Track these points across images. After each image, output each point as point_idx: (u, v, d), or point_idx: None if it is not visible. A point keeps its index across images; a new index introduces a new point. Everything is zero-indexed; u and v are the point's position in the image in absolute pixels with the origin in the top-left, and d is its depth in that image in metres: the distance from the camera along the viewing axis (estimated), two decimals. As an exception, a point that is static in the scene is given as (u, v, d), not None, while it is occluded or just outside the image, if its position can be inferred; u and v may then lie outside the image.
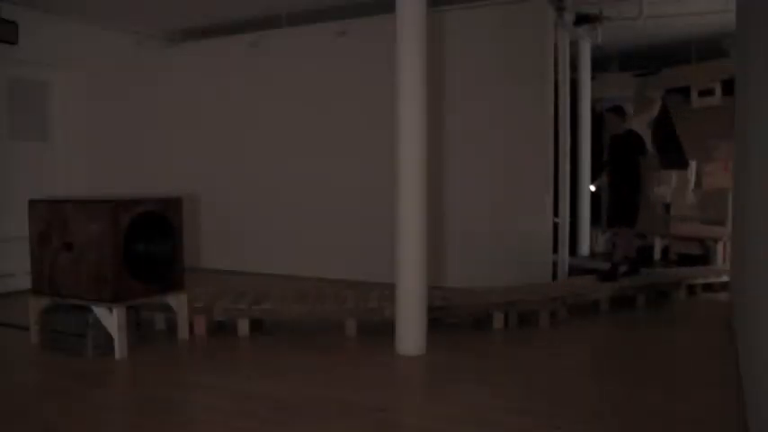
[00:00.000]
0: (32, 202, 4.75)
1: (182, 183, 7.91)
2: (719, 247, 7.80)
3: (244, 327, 5.06)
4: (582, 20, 7.04)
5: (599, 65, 9.12)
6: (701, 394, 3.81)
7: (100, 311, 4.45)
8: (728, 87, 7.51)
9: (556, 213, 6.89)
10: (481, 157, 6.68)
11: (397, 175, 4.52)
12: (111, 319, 4.42)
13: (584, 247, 8.69)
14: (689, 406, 3.58)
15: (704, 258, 8.10)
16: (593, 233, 9.06)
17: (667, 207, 8.86)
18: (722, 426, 3.30)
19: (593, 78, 8.79)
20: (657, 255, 8.53)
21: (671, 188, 8.83)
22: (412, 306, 4.51)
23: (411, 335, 4.53)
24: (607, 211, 6.85)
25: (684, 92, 8.78)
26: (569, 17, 6.83)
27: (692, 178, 8.74)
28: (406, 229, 4.50)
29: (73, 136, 8.07)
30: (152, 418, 3.43)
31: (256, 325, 5.16)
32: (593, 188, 6.53)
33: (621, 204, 6.34)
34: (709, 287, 6.81)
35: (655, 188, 8.94)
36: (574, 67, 7.94)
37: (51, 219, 4.59)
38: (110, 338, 4.46)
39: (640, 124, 9.27)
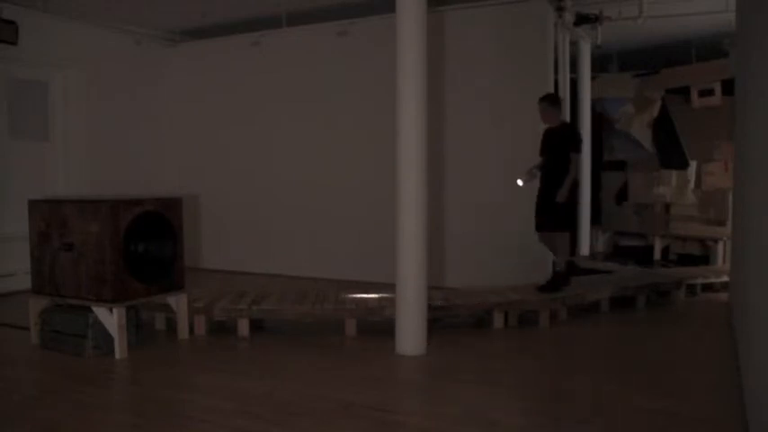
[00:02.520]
0: (32, 202, 4.75)
1: (182, 183, 7.92)
2: (719, 247, 7.79)
3: (244, 327, 5.06)
4: (582, 20, 7.03)
5: (599, 65, 9.12)
6: (702, 394, 3.82)
7: (100, 311, 4.45)
8: (728, 87, 7.51)
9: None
10: (481, 156, 6.68)
11: (397, 175, 4.52)
12: (111, 319, 4.42)
13: (584, 247, 8.69)
14: (689, 406, 3.58)
15: (704, 258, 8.10)
16: (593, 233, 9.06)
17: (667, 207, 8.86)
18: (722, 426, 3.30)
19: (593, 78, 8.79)
20: (657, 255, 8.53)
21: (671, 188, 8.83)
22: (412, 306, 4.51)
23: (411, 335, 4.53)
24: (536, 212, 5.79)
25: (684, 92, 8.77)
26: (569, 17, 6.83)
27: (692, 178, 8.74)
28: (406, 229, 4.50)
29: (73, 136, 8.06)
30: (152, 418, 3.43)
31: (256, 325, 5.16)
32: (520, 182, 5.75)
33: (552, 205, 5.55)
34: (709, 287, 6.81)
35: (654, 188, 8.95)
36: (574, 67, 7.94)
37: (51, 219, 4.59)
38: (110, 338, 4.46)
39: (640, 124, 9.29)
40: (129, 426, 3.39)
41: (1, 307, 6.26)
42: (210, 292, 5.58)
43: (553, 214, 5.56)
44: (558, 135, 5.64)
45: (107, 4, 7.34)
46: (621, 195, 9.66)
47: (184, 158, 8.32)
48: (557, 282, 5.64)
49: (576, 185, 5.68)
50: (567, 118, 7.20)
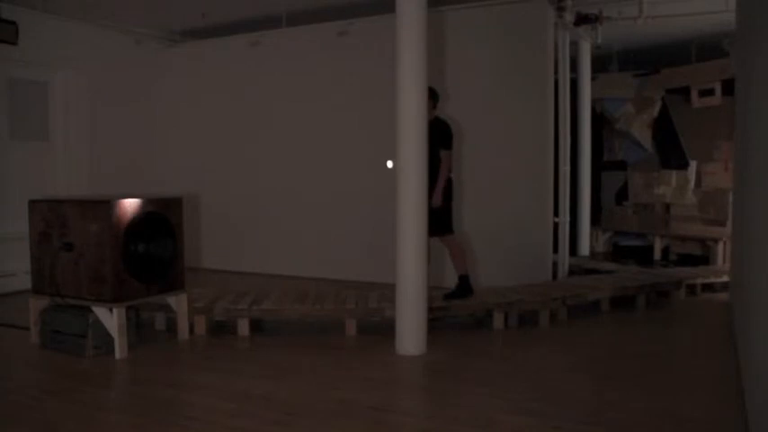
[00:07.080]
0: (32, 202, 4.75)
1: (182, 183, 7.91)
2: (719, 247, 7.79)
3: (244, 327, 5.06)
4: (582, 20, 7.03)
5: (599, 65, 9.12)
6: (701, 394, 3.81)
7: (100, 311, 4.45)
8: (728, 87, 7.51)
9: (556, 213, 6.88)
10: (481, 156, 6.68)
11: (397, 175, 4.52)
12: (111, 319, 4.42)
13: (584, 247, 8.70)
14: (689, 406, 3.58)
15: (704, 258, 8.10)
16: (593, 233, 9.07)
17: (667, 207, 8.86)
18: (722, 426, 3.30)
19: (593, 78, 8.79)
20: (657, 255, 8.54)
21: (671, 188, 8.83)
22: (412, 306, 4.51)
23: (411, 335, 4.53)
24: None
25: (684, 92, 8.78)
26: (569, 17, 6.82)
27: (692, 178, 8.74)
28: (406, 229, 4.50)
29: (73, 136, 8.05)
30: (152, 418, 3.43)
31: (256, 325, 5.16)
32: (390, 164, 5.20)
33: (430, 210, 4.93)
34: (709, 287, 6.81)
35: (654, 188, 8.95)
36: (574, 67, 7.93)
37: (51, 219, 4.59)
38: (110, 338, 4.46)
39: (640, 124, 9.29)
40: (129, 426, 3.39)
41: (1, 307, 6.26)
42: (210, 292, 5.58)
43: (433, 217, 5.01)
44: (430, 131, 4.89)
45: (107, 4, 7.34)
46: (621, 195, 9.67)
47: (184, 158, 8.32)
48: (462, 288, 5.37)
49: (449, 184, 5.25)
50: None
